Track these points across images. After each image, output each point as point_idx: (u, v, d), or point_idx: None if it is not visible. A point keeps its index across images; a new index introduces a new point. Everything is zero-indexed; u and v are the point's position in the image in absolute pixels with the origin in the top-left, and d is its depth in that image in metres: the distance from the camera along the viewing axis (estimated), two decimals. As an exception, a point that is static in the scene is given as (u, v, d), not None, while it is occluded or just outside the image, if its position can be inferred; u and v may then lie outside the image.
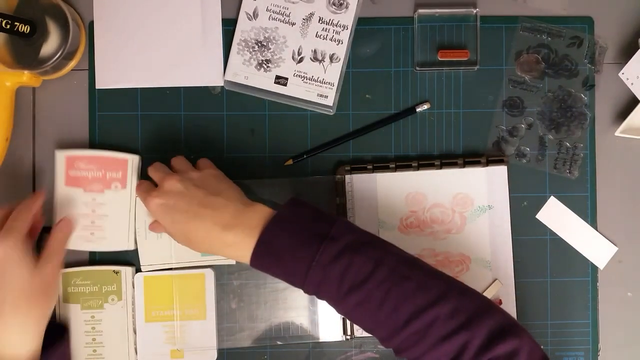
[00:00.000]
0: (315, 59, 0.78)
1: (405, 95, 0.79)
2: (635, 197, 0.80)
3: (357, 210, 0.78)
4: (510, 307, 0.78)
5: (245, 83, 0.78)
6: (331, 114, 0.79)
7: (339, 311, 0.64)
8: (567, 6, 0.79)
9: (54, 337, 0.70)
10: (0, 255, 0.65)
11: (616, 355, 0.79)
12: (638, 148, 0.80)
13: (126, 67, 0.78)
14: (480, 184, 0.78)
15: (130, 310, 0.77)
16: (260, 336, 0.78)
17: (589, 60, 0.79)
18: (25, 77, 0.74)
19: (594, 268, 0.79)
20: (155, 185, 0.71)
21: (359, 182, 0.78)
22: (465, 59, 0.79)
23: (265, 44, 0.78)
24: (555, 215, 0.79)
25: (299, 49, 0.78)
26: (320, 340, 0.78)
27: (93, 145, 0.79)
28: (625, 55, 0.78)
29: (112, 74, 0.78)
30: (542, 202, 0.79)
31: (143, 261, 0.77)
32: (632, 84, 0.76)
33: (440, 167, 0.78)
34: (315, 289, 0.63)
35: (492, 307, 0.61)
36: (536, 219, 0.79)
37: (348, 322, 0.78)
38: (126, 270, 0.77)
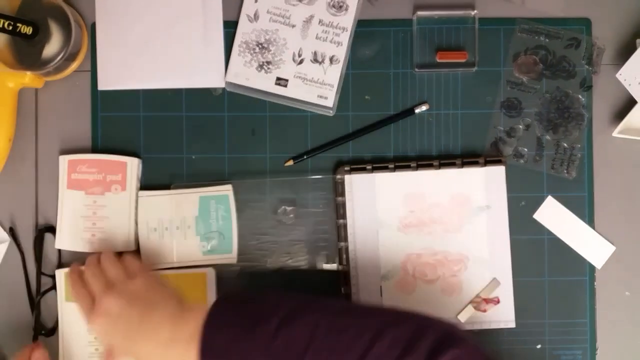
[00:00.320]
0: (315, 60, 0.78)
1: (404, 97, 0.80)
2: (632, 197, 0.80)
3: (357, 210, 0.78)
4: (508, 306, 0.78)
5: (246, 84, 0.79)
6: (331, 114, 0.79)
7: None
8: (565, 8, 0.80)
9: None
10: None
11: (614, 354, 0.80)
12: (635, 148, 0.80)
13: (128, 69, 0.79)
14: (478, 184, 0.78)
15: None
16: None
17: (586, 61, 0.80)
18: (28, 78, 0.75)
19: (592, 267, 0.80)
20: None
21: (358, 182, 0.78)
22: (464, 60, 0.79)
23: (265, 45, 0.78)
24: (553, 215, 0.79)
25: (299, 51, 0.78)
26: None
27: (95, 146, 0.79)
28: (623, 57, 0.78)
29: (114, 76, 0.79)
30: (539, 202, 0.79)
31: (145, 261, 0.78)
32: (629, 85, 0.76)
33: (439, 167, 0.78)
34: None
35: (428, 326, 0.61)
36: (534, 218, 0.79)
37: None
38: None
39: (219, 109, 0.79)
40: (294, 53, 0.78)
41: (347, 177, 0.78)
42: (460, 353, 0.58)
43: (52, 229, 0.79)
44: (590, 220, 0.79)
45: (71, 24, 0.73)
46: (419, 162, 0.78)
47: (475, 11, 0.79)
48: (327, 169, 0.79)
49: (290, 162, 0.79)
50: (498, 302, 0.78)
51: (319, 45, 0.78)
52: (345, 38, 0.78)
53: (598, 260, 0.79)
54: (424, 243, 0.79)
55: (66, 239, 0.78)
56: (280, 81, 0.78)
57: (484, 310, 0.78)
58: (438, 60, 0.79)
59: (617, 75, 0.77)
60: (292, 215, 0.79)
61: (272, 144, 0.79)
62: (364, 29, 0.79)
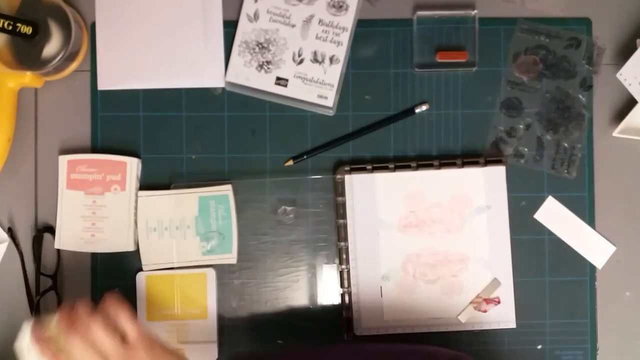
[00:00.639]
0: (315, 60, 0.78)
1: (404, 96, 0.80)
2: (633, 197, 0.80)
3: (357, 210, 0.78)
4: (508, 306, 0.78)
5: (246, 84, 0.79)
6: (331, 114, 0.79)
7: None
8: (565, 8, 0.80)
9: None
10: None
11: (615, 354, 0.80)
12: (636, 148, 0.80)
13: (128, 69, 0.79)
14: (478, 184, 0.78)
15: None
16: (260, 335, 0.78)
17: (587, 61, 0.80)
18: (28, 78, 0.75)
19: (592, 268, 0.79)
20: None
21: (358, 182, 0.78)
22: (464, 60, 0.79)
23: (265, 45, 0.78)
24: (554, 215, 0.79)
25: (299, 51, 0.78)
26: (321, 340, 0.78)
27: (95, 146, 0.79)
28: (623, 56, 0.78)
29: (114, 75, 0.79)
30: (540, 202, 0.79)
31: (145, 261, 0.78)
32: (629, 84, 0.76)
33: (439, 167, 0.78)
34: None
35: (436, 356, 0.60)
36: (534, 218, 0.79)
37: (348, 321, 0.78)
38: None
39: (218, 108, 0.79)
40: (294, 53, 0.78)
41: (347, 177, 0.78)
42: None
43: (51, 229, 0.78)
44: (590, 220, 0.79)
45: (71, 24, 0.73)
46: (419, 162, 0.78)
47: (476, 11, 0.79)
48: (327, 169, 0.79)
49: (290, 162, 0.79)
50: (499, 302, 0.78)
51: (319, 45, 0.78)
52: (345, 38, 0.78)
53: (599, 260, 0.79)
54: (424, 243, 0.78)
55: (65, 239, 0.77)
56: (280, 81, 0.78)
57: (485, 311, 0.78)
58: (438, 60, 0.79)
59: (618, 75, 0.77)
60: (292, 215, 0.79)
61: (272, 143, 0.79)
62: (364, 29, 0.79)
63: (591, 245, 0.79)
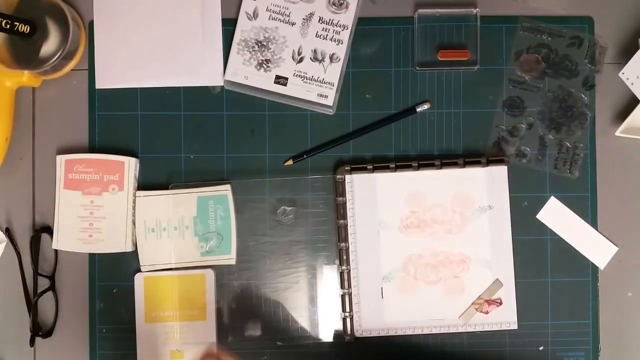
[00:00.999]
0: (315, 58, 0.78)
1: (405, 95, 0.79)
2: (635, 197, 0.80)
3: (357, 210, 0.78)
4: (510, 307, 0.78)
5: (245, 83, 0.78)
6: (331, 113, 0.79)
7: None
8: (567, 6, 0.79)
9: None
10: None
11: (617, 355, 0.79)
12: (638, 148, 0.79)
13: (126, 67, 0.78)
14: (480, 184, 0.78)
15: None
16: (260, 336, 0.78)
17: (589, 60, 0.79)
18: (25, 77, 0.74)
19: (595, 268, 0.79)
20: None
21: (359, 182, 0.78)
22: (466, 58, 0.79)
23: (265, 43, 0.78)
24: (556, 215, 0.79)
25: (299, 49, 0.78)
26: (320, 340, 0.78)
27: (92, 145, 0.79)
28: (626, 55, 0.78)
29: (111, 74, 0.78)
30: (542, 202, 0.79)
31: (143, 261, 0.77)
32: (632, 83, 0.76)
33: (441, 167, 0.78)
34: None
35: None
36: (536, 219, 0.79)
37: (348, 322, 0.78)
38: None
39: (217, 107, 0.79)
40: (293, 51, 0.78)
41: (347, 177, 0.78)
42: None
43: (48, 230, 0.78)
44: (593, 221, 0.79)
45: (69, 23, 0.73)
46: (421, 162, 0.78)
47: (477, 9, 0.78)
48: (327, 168, 0.79)
49: (290, 162, 0.79)
50: (500, 303, 0.78)
51: (319, 43, 0.78)
52: (345, 36, 0.78)
53: (601, 260, 0.79)
54: (426, 244, 0.78)
55: (63, 240, 0.77)
56: (280, 80, 0.78)
57: (486, 312, 0.78)
58: (439, 59, 0.79)
59: (620, 74, 0.77)
60: (291, 216, 0.79)
61: (271, 143, 0.79)
62: (364, 27, 0.79)
63: (593, 245, 0.79)
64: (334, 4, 0.78)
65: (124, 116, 0.79)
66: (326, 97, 0.78)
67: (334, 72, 0.78)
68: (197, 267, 0.78)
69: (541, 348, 0.79)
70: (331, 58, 0.78)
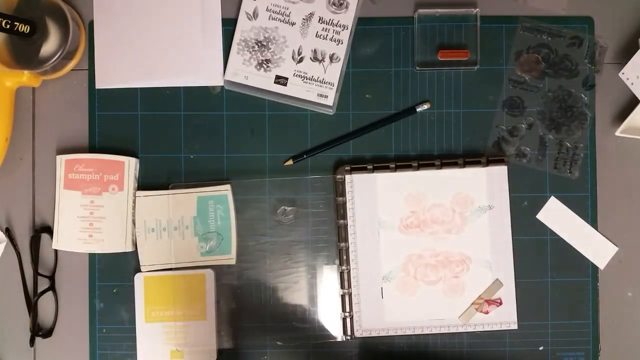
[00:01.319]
0: (315, 58, 0.78)
1: (405, 95, 0.79)
2: (635, 197, 0.80)
3: (357, 210, 0.78)
4: (510, 307, 0.78)
5: (245, 83, 0.78)
6: (331, 113, 0.79)
7: None
8: (567, 6, 0.79)
9: None
10: None
11: (617, 355, 0.79)
12: (638, 148, 0.79)
13: (126, 67, 0.78)
14: (480, 184, 0.78)
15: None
16: (260, 336, 0.78)
17: (589, 60, 0.79)
18: (25, 77, 0.74)
19: (595, 268, 0.79)
20: None
21: (359, 182, 0.78)
22: (466, 58, 0.79)
23: (265, 43, 0.78)
24: (556, 216, 0.79)
25: (299, 49, 0.78)
26: (320, 340, 0.78)
27: (92, 145, 0.79)
28: (625, 55, 0.78)
29: (111, 74, 0.78)
30: (542, 202, 0.79)
31: (143, 261, 0.77)
32: (632, 84, 0.76)
33: (441, 167, 0.78)
34: None
35: None
36: (536, 219, 0.79)
37: (348, 322, 0.78)
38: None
39: (217, 107, 0.79)
40: (293, 51, 0.78)
41: (347, 177, 0.78)
42: None
43: (48, 230, 0.78)
44: (593, 221, 0.79)
45: (69, 23, 0.73)
46: (420, 162, 0.78)
47: (477, 9, 0.78)
48: (327, 168, 0.79)
49: (290, 162, 0.78)
50: (500, 303, 0.78)
51: (319, 43, 0.78)
52: (345, 36, 0.78)
53: (601, 260, 0.79)
54: (426, 244, 0.78)
55: (63, 240, 0.77)
56: (280, 80, 0.78)
57: (486, 312, 0.78)
58: (439, 59, 0.79)
59: (620, 74, 0.77)
60: (291, 216, 0.79)
61: (271, 143, 0.79)
62: (364, 27, 0.79)
63: (593, 245, 0.79)
64: (334, 4, 0.78)
65: (124, 116, 0.79)
66: (326, 97, 0.78)
67: (334, 72, 0.78)
68: (197, 267, 0.78)
69: (541, 348, 0.79)
70: (331, 58, 0.78)
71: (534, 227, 0.79)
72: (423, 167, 0.78)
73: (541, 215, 0.79)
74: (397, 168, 0.78)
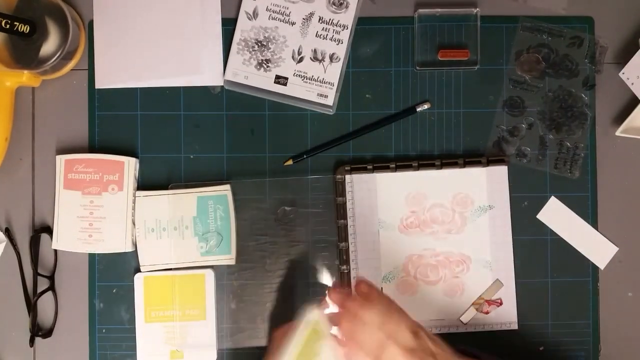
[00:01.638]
0: (315, 58, 0.78)
1: (405, 95, 0.79)
2: (636, 197, 0.80)
3: (357, 210, 0.78)
4: (510, 307, 0.78)
5: (245, 83, 0.78)
6: (331, 113, 0.79)
7: None
8: (567, 6, 0.79)
9: None
10: None
11: (617, 355, 0.79)
12: (638, 148, 0.79)
13: (126, 67, 0.78)
14: (480, 184, 0.78)
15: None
16: (260, 336, 0.78)
17: (589, 60, 0.79)
18: (25, 77, 0.74)
19: (595, 268, 0.79)
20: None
21: (359, 182, 0.78)
22: (466, 58, 0.79)
23: (265, 43, 0.78)
24: (556, 216, 0.79)
25: (298, 49, 0.78)
26: (321, 340, 0.78)
27: (92, 145, 0.79)
28: (626, 55, 0.78)
29: (111, 74, 0.78)
30: (542, 202, 0.79)
31: (143, 261, 0.77)
32: (632, 83, 0.76)
33: (441, 167, 0.78)
34: None
35: None
36: (537, 219, 0.79)
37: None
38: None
39: (217, 107, 0.79)
40: (293, 51, 0.78)
41: (347, 177, 0.78)
42: None
43: (48, 230, 0.78)
44: (593, 221, 0.79)
45: (69, 22, 0.73)
46: (421, 162, 0.78)
47: (477, 9, 0.78)
48: (327, 168, 0.79)
49: (290, 162, 0.78)
50: (501, 304, 0.78)
51: (319, 43, 0.78)
52: (345, 36, 0.78)
53: (601, 260, 0.79)
54: (426, 244, 0.78)
55: (63, 240, 0.77)
56: (280, 79, 0.78)
57: (487, 312, 0.78)
58: (440, 59, 0.79)
59: (620, 74, 0.77)
60: (291, 216, 0.78)
61: (271, 143, 0.79)
62: (364, 27, 0.78)
63: (594, 245, 0.79)
64: (334, 3, 0.78)
65: (124, 116, 0.79)
66: (326, 97, 0.78)
67: (334, 72, 0.78)
68: (197, 267, 0.77)
69: (541, 348, 0.79)
70: (331, 58, 0.78)
71: (534, 227, 0.79)
72: (423, 167, 0.78)
73: (541, 215, 0.79)
74: (397, 168, 0.78)
